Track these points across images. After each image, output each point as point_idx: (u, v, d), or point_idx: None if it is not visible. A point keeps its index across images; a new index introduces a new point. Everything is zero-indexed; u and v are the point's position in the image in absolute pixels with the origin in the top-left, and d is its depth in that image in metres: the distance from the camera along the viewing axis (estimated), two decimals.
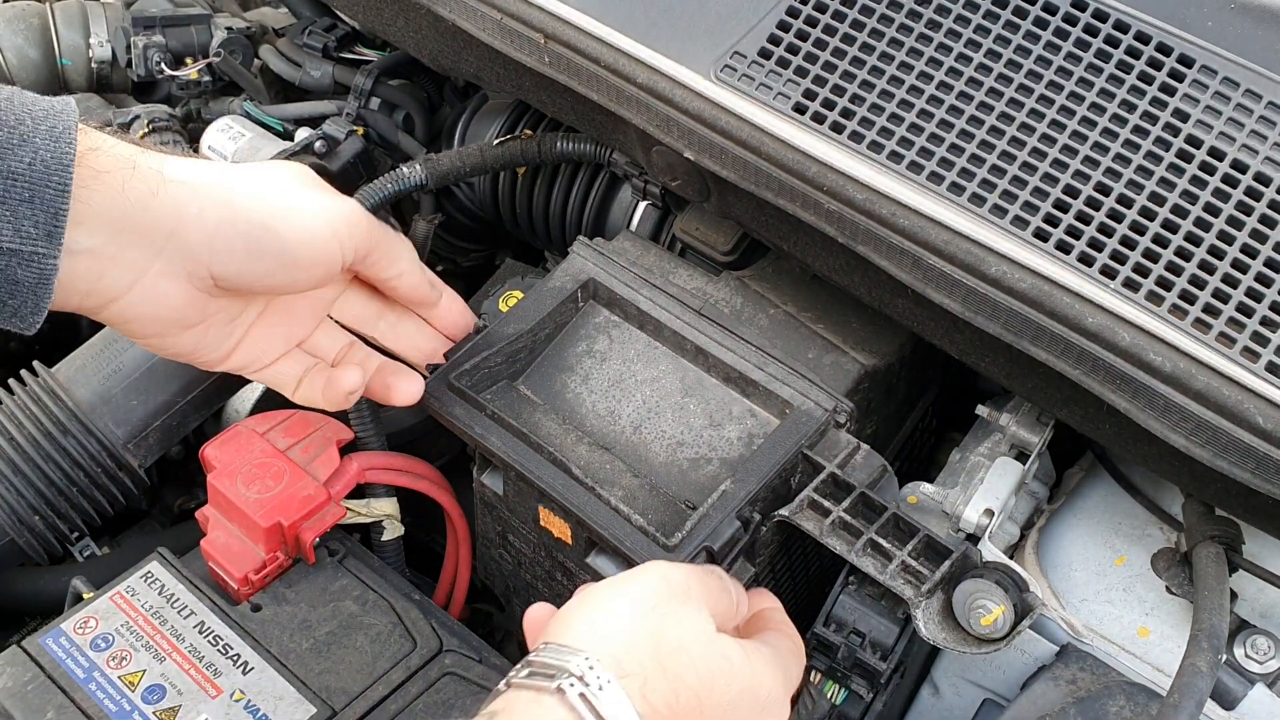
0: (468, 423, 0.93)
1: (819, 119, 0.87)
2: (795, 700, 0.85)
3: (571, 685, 0.67)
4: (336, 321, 0.99)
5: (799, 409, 0.93)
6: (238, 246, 0.82)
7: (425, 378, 0.97)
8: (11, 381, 1.05)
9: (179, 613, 0.94)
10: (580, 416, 0.98)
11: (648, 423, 0.97)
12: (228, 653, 0.92)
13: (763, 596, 0.89)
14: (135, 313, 0.82)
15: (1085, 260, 0.79)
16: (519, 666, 0.70)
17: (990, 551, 0.91)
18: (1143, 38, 0.86)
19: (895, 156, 0.85)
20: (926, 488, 0.98)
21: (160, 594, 0.95)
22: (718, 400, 0.98)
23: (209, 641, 0.92)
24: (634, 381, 0.99)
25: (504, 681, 0.69)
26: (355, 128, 1.28)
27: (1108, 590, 0.93)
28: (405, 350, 1.00)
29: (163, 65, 1.38)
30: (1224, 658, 0.85)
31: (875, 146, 0.85)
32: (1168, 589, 0.91)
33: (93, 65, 1.46)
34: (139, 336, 0.86)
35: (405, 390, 0.96)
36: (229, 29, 1.41)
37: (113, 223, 0.77)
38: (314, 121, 1.32)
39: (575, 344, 1.02)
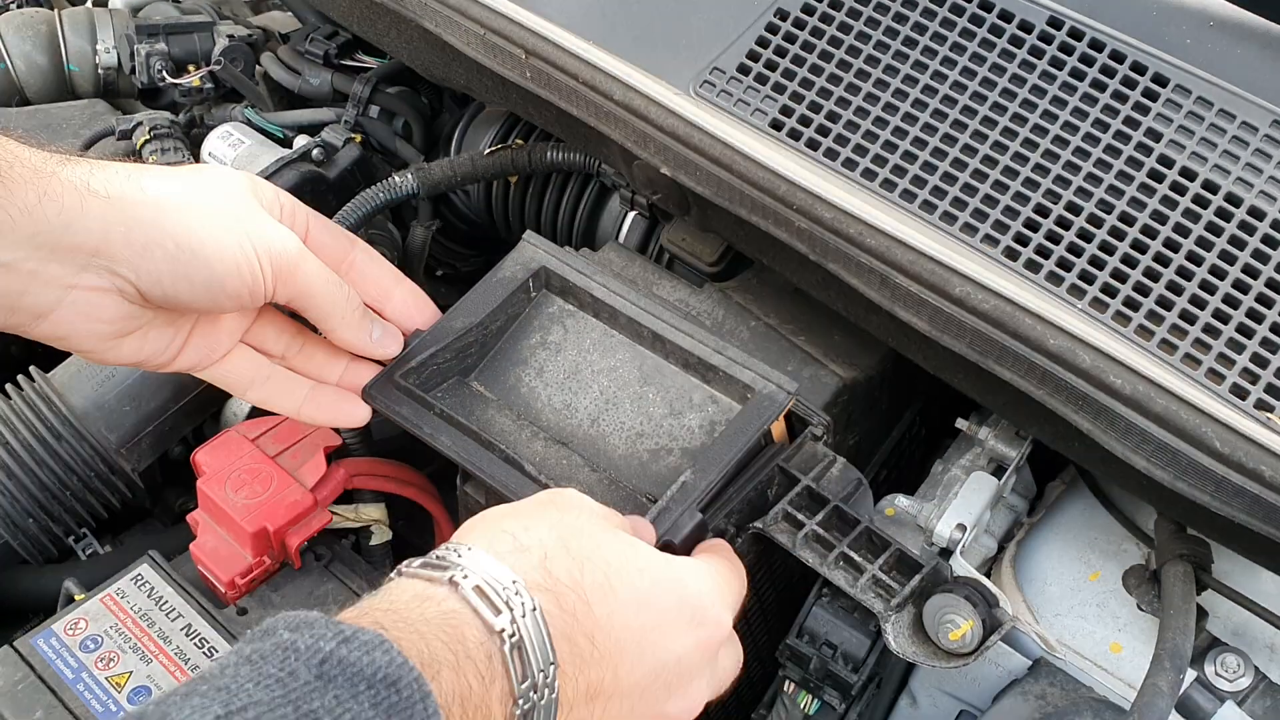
0: (416, 422, 0.91)
1: (795, 135, 0.88)
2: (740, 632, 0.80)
3: (465, 577, 0.64)
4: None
5: (761, 393, 0.90)
6: (164, 270, 0.78)
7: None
8: (8, 387, 1.07)
9: (167, 615, 0.96)
10: (535, 411, 0.95)
11: (606, 414, 0.94)
12: (213, 655, 0.93)
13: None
14: (68, 329, 0.79)
15: (1054, 279, 0.80)
16: (411, 560, 0.67)
17: (961, 566, 0.91)
18: (1118, 56, 0.86)
19: (869, 174, 0.85)
20: (903, 500, 0.99)
21: (149, 596, 0.97)
22: (677, 388, 0.95)
23: (195, 644, 0.94)
24: (591, 372, 0.96)
25: (396, 570, 0.67)
26: (353, 135, 1.29)
27: (1082, 605, 0.94)
28: (315, 377, 0.95)
29: (164, 73, 1.40)
30: (1194, 676, 0.86)
31: (849, 164, 0.86)
32: (1138, 606, 0.91)
33: (99, 71, 1.49)
34: (79, 351, 0.83)
35: (351, 413, 0.94)
36: (231, 37, 1.43)
37: (31, 238, 0.74)
38: (314, 129, 1.34)
39: (529, 336, 0.99)
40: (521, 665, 0.62)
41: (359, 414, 0.93)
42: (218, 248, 0.80)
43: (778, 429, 0.94)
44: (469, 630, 0.62)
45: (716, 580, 0.77)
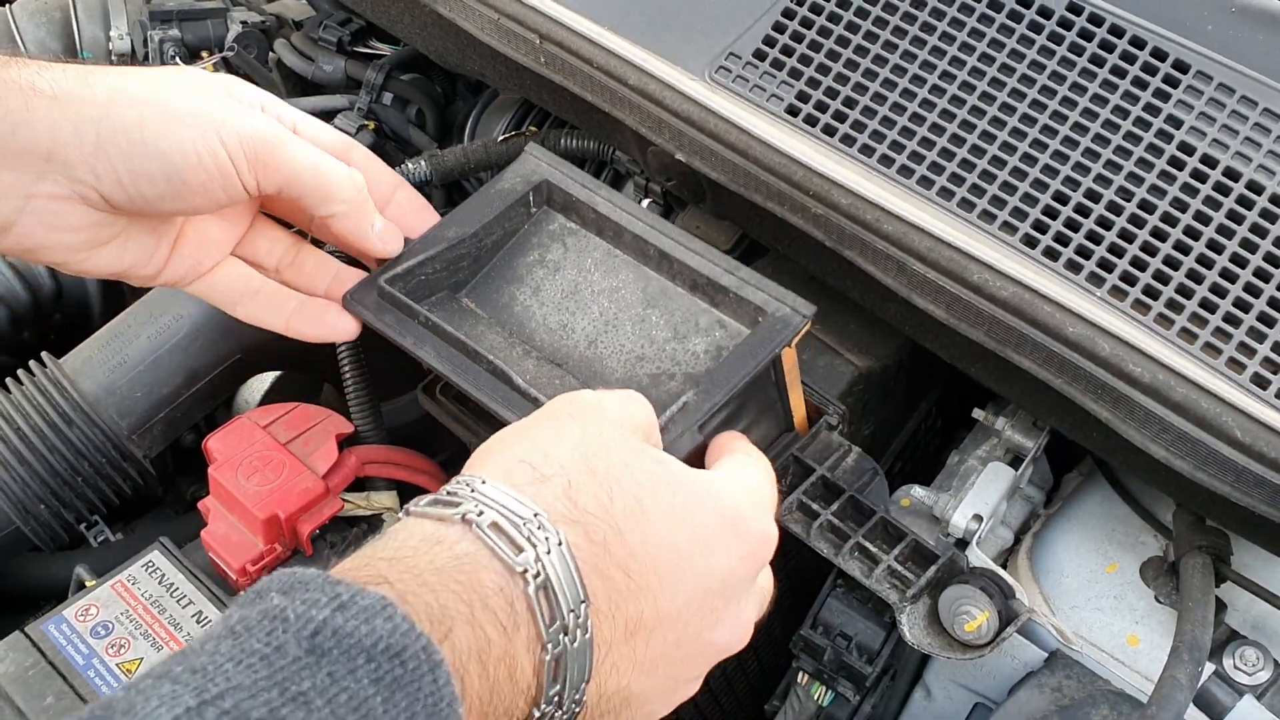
0: (400, 331, 0.84)
1: (811, 121, 0.87)
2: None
3: (480, 513, 0.57)
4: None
5: (774, 315, 0.82)
6: (121, 169, 0.73)
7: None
8: (20, 372, 1.07)
9: (178, 602, 0.96)
10: (529, 331, 0.88)
11: (604, 336, 0.87)
12: None
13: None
14: (35, 241, 0.75)
15: (1073, 267, 0.79)
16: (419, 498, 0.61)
17: (977, 557, 0.90)
18: (1138, 42, 0.85)
19: (886, 160, 0.85)
20: (919, 491, 0.98)
21: (160, 583, 0.97)
22: (683, 311, 0.87)
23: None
24: (591, 292, 0.89)
25: (403, 510, 0.60)
26: (367, 122, 1.29)
27: (1099, 597, 0.93)
28: (305, 289, 0.90)
29: (178, 59, 1.40)
30: (1212, 669, 0.85)
31: (866, 150, 0.85)
32: (1156, 598, 0.90)
33: (113, 58, 1.48)
34: (54, 263, 0.79)
35: (336, 325, 0.87)
36: (244, 23, 1.43)
37: None
38: (328, 115, 1.33)
39: (526, 253, 0.92)
40: (549, 607, 0.56)
41: (345, 326, 0.87)
42: (175, 141, 0.74)
43: (789, 359, 0.86)
44: (486, 575, 0.56)
45: (749, 487, 0.70)
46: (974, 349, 0.82)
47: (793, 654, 0.95)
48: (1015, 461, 0.98)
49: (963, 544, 0.93)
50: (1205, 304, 0.77)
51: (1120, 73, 0.84)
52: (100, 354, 1.08)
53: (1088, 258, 0.79)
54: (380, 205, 0.88)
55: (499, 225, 0.91)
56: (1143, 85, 0.84)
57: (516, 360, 0.84)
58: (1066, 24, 0.86)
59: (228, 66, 1.42)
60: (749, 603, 0.67)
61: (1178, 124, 0.82)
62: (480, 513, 0.57)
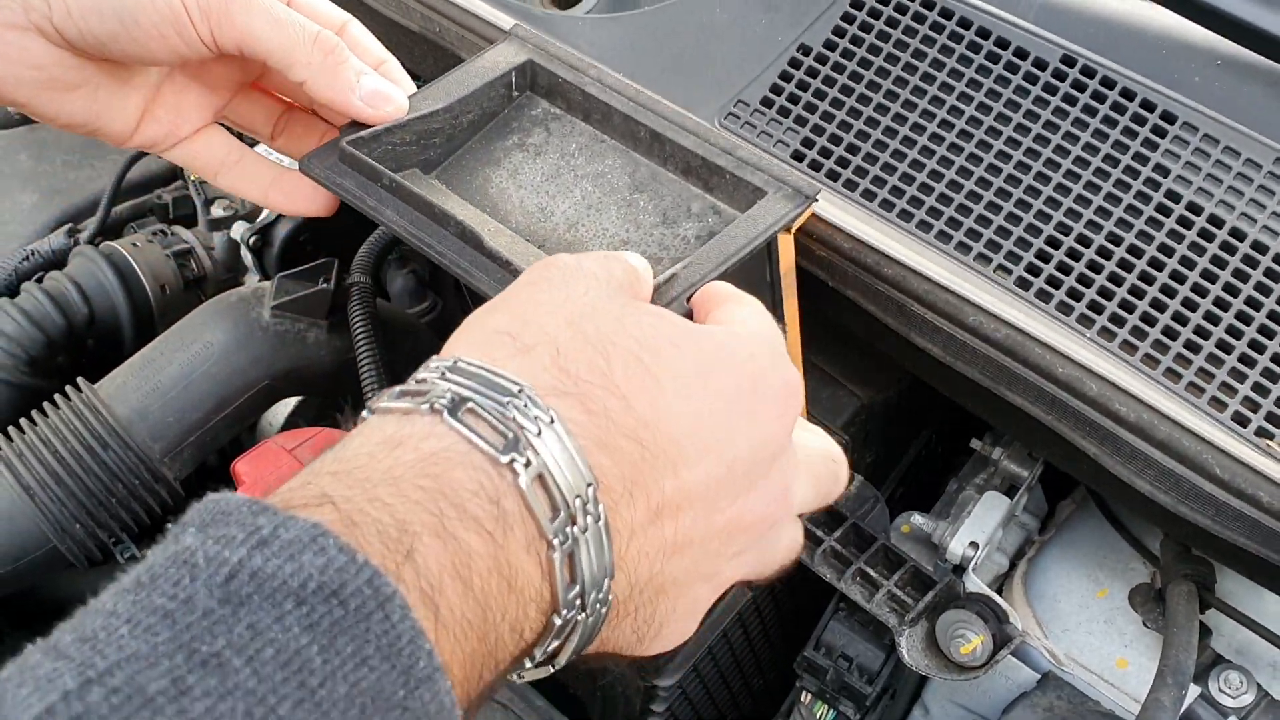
0: (358, 194, 0.77)
1: (816, 166, 0.91)
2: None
3: (451, 400, 0.48)
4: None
5: (774, 195, 0.77)
6: (71, 3, 0.70)
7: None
8: (56, 397, 1.12)
9: None
10: (505, 213, 0.80)
11: (587, 219, 0.80)
12: None
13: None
14: None
15: (1064, 309, 0.83)
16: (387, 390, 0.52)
17: (973, 583, 0.94)
18: (1128, 94, 0.89)
19: (886, 205, 0.89)
20: (918, 518, 1.02)
21: None
22: (674, 195, 0.81)
23: None
24: (574, 176, 0.82)
25: (367, 409, 0.51)
26: None
27: (1090, 622, 0.97)
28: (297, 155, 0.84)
29: None
30: (1198, 692, 0.89)
31: (868, 195, 0.89)
32: (1144, 623, 0.94)
33: None
34: (23, 104, 0.75)
35: (312, 198, 0.83)
36: None
37: None
38: None
39: (504, 137, 0.85)
40: (548, 498, 0.47)
41: (321, 200, 0.83)
42: None
43: (786, 256, 0.80)
44: (460, 473, 0.47)
45: (759, 334, 0.60)
46: (969, 385, 0.86)
47: (796, 674, 0.99)
48: (1011, 490, 1.02)
49: (960, 570, 0.97)
50: (1189, 345, 0.81)
51: (1111, 122, 0.89)
52: (134, 380, 1.13)
53: (1078, 300, 0.83)
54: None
55: (477, 103, 0.85)
56: (1132, 135, 0.88)
57: (490, 235, 0.74)
58: (1060, 75, 0.90)
59: None
60: (787, 464, 0.58)
61: (1165, 172, 0.86)
62: (452, 398, 0.48)
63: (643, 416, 0.51)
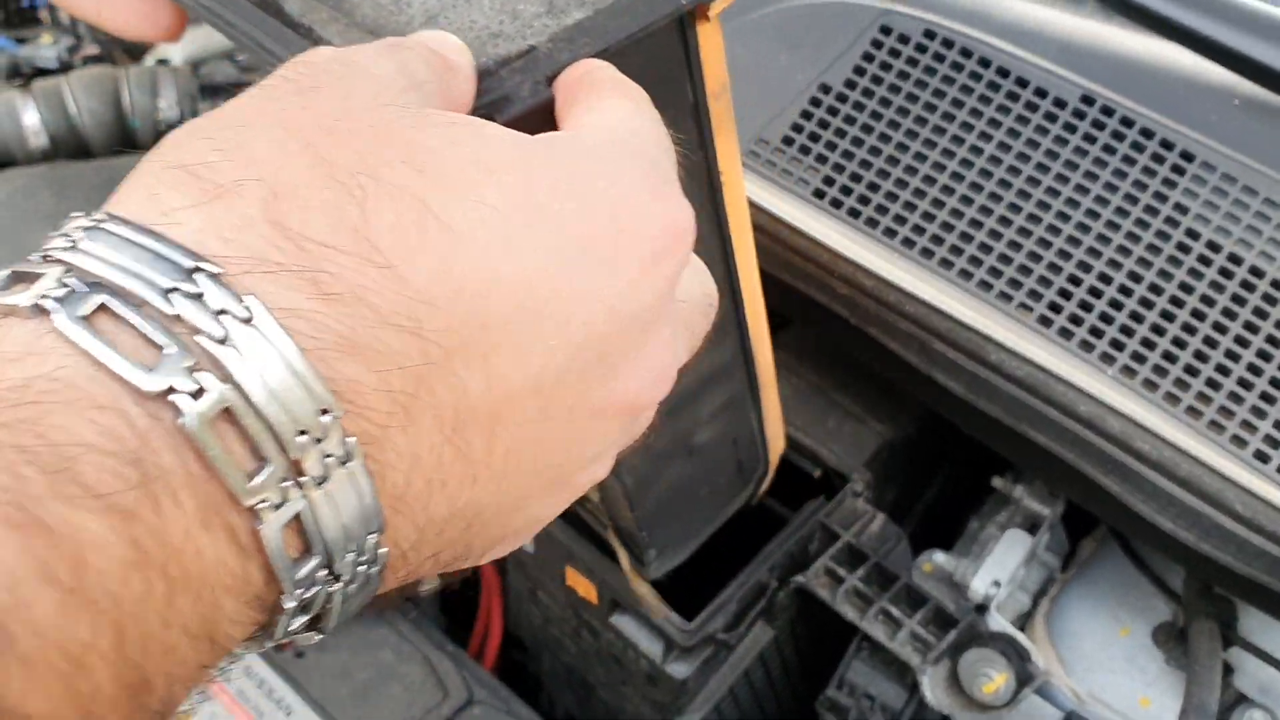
0: None
1: (837, 204, 0.92)
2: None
3: (68, 292, 0.29)
4: None
5: None
6: None
7: None
8: None
9: None
10: (350, 6, 0.55)
11: (452, 10, 0.56)
12: (271, 695, 0.97)
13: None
14: None
15: (1086, 347, 0.83)
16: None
17: (996, 621, 0.94)
18: (1147, 133, 0.90)
19: (908, 243, 0.89)
20: (940, 557, 1.02)
21: None
22: None
23: (255, 684, 0.98)
24: None
25: None
26: None
27: (1112, 660, 0.96)
28: None
29: None
30: None
31: (889, 233, 0.90)
32: (1166, 661, 0.94)
33: (160, 127, 1.55)
34: None
35: (155, 20, 0.48)
36: None
37: None
38: None
39: None
40: (243, 440, 0.29)
41: (162, 20, 0.53)
42: None
43: (713, 57, 0.58)
44: (70, 415, 0.27)
45: (627, 137, 0.39)
46: (991, 422, 0.87)
47: (818, 713, 0.99)
48: (1033, 528, 1.02)
49: (982, 608, 0.97)
50: (1210, 382, 0.81)
51: (1130, 161, 0.89)
52: None
53: (1099, 337, 0.84)
54: None
55: None
56: (1151, 173, 0.88)
57: (321, 25, 0.52)
58: (1080, 114, 0.91)
59: None
60: (664, 328, 0.39)
61: (1184, 210, 0.87)
62: (76, 286, 0.29)
63: (423, 290, 0.32)
